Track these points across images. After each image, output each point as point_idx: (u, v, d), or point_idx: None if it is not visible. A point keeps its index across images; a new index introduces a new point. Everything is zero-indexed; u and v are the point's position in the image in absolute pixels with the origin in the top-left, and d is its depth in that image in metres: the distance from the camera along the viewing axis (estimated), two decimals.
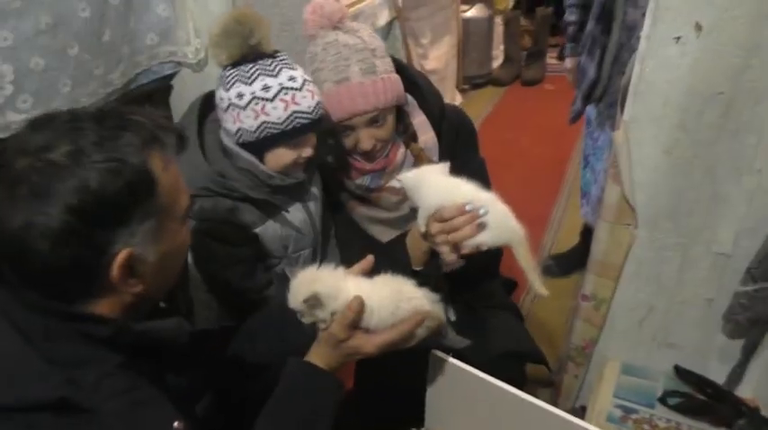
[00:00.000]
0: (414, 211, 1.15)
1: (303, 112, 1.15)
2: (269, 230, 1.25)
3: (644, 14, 1.17)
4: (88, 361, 0.71)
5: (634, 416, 1.37)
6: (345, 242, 1.41)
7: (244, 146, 1.18)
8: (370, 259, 1.01)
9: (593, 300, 1.49)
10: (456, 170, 1.13)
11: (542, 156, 3.54)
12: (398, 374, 1.15)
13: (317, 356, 0.93)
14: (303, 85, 1.16)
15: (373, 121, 1.24)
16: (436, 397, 1.15)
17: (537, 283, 1.07)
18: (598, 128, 2.13)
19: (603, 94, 1.96)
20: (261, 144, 1.17)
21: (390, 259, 1.14)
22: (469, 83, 4.57)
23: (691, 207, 1.26)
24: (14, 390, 0.67)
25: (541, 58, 4.68)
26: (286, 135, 1.16)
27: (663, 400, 1.38)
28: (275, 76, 1.14)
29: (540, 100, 4.40)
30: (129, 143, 0.73)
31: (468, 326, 1.33)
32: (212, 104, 1.23)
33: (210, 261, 1.23)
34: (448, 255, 1.07)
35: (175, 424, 0.73)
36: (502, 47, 4.73)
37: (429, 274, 1.18)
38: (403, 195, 1.25)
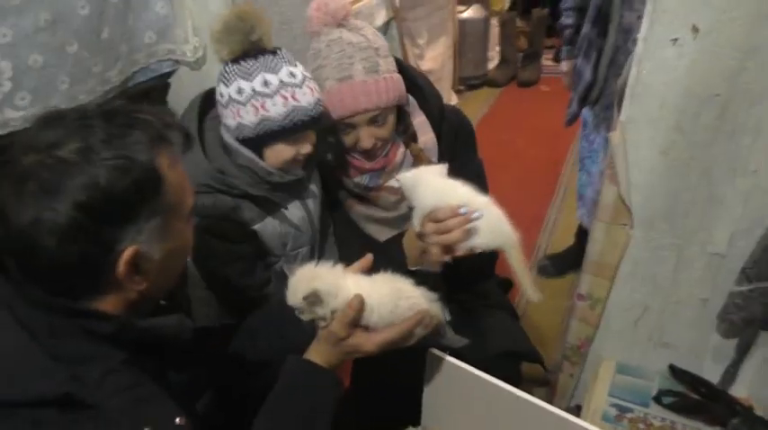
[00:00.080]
0: (411, 211, 1.15)
1: (303, 109, 1.15)
2: (268, 227, 1.26)
3: (640, 17, 1.18)
4: (92, 357, 0.72)
5: (629, 415, 1.38)
6: (344, 240, 1.42)
7: (243, 142, 1.19)
8: (369, 258, 1.02)
9: (588, 299, 1.49)
10: (455, 171, 1.13)
11: (538, 157, 3.55)
12: (396, 373, 1.15)
13: (317, 354, 0.94)
14: (303, 81, 1.16)
15: (374, 120, 1.25)
16: (433, 395, 1.15)
17: (529, 288, 1.08)
18: (594, 130, 2.14)
19: (599, 97, 1.97)
20: (260, 140, 1.18)
21: (387, 258, 1.15)
22: (465, 84, 4.58)
23: (686, 208, 1.27)
24: (20, 386, 0.67)
25: (537, 59, 4.70)
26: (285, 131, 1.16)
27: (658, 399, 1.39)
28: (275, 72, 1.14)
29: (536, 101, 4.41)
30: (138, 141, 0.74)
31: (465, 325, 1.34)
32: (212, 102, 1.23)
33: (210, 258, 1.23)
34: (437, 256, 1.08)
35: (177, 420, 0.73)
36: (498, 48, 4.74)
37: (425, 274, 1.19)
38: (401, 195, 1.25)
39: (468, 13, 4.37)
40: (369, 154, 1.29)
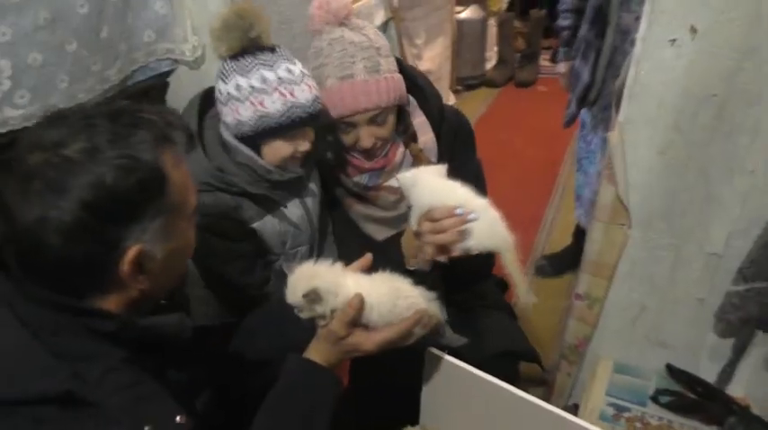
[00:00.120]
0: (410, 210, 1.16)
1: (300, 105, 1.15)
2: (267, 226, 1.26)
3: (637, 18, 1.18)
4: (93, 355, 0.72)
5: (626, 415, 1.39)
6: (342, 239, 1.42)
7: (242, 139, 1.19)
8: (368, 257, 1.02)
9: (586, 299, 1.50)
10: (453, 171, 1.14)
11: (535, 157, 3.56)
12: (394, 372, 1.15)
13: (317, 353, 0.94)
14: (301, 78, 1.16)
15: (374, 120, 1.25)
16: (431, 394, 1.16)
17: (523, 291, 1.08)
18: (591, 131, 2.14)
19: (598, 98, 1.98)
20: (258, 137, 1.18)
21: (385, 257, 1.15)
22: (463, 84, 4.59)
23: (684, 207, 1.28)
24: (21, 384, 0.67)
25: (534, 59, 4.71)
26: (283, 128, 1.17)
27: (655, 399, 1.40)
28: (273, 68, 1.15)
29: (534, 101, 4.42)
30: (143, 140, 0.74)
31: (462, 325, 1.34)
32: (212, 100, 1.23)
33: (209, 256, 1.23)
34: (432, 255, 1.08)
35: (178, 418, 0.74)
36: (495, 48, 4.75)
37: (423, 273, 1.19)
38: (400, 195, 1.26)
39: (466, 13, 4.38)
40: (368, 153, 1.30)
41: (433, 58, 3.83)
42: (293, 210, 1.29)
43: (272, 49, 1.17)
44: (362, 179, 1.34)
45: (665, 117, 1.20)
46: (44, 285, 0.72)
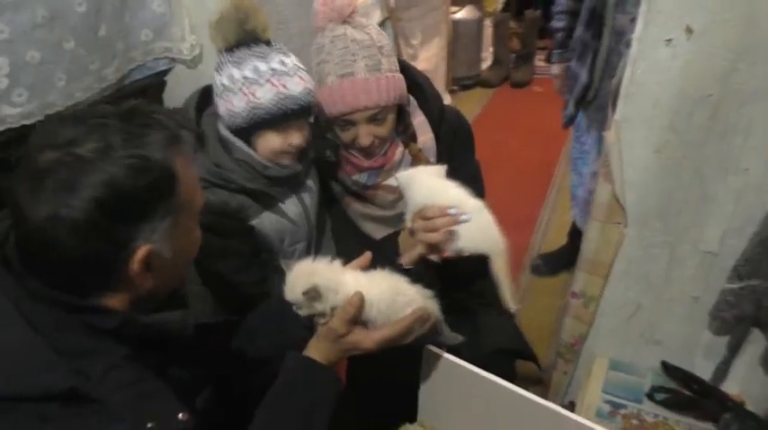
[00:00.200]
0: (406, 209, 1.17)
1: (292, 97, 1.16)
2: (265, 222, 1.26)
3: (632, 20, 1.20)
4: (95, 352, 0.72)
5: (622, 411, 1.40)
6: (340, 237, 1.42)
7: (236, 132, 1.19)
8: (368, 256, 1.03)
9: (582, 297, 1.51)
10: (452, 171, 1.15)
11: (530, 158, 3.57)
12: (392, 369, 1.15)
13: (316, 351, 0.94)
14: (295, 71, 1.17)
15: (374, 118, 1.25)
16: (430, 391, 1.16)
17: (507, 298, 1.09)
18: (585, 131, 2.15)
19: (595, 99, 1.99)
20: (251, 128, 1.18)
21: (382, 256, 1.15)
22: (458, 84, 4.60)
23: (679, 206, 1.29)
24: (25, 380, 0.67)
25: (530, 60, 4.72)
26: (275, 119, 1.17)
27: (650, 396, 1.41)
28: (267, 60, 1.16)
29: (529, 102, 4.44)
30: (155, 141, 0.74)
31: (460, 323, 1.35)
32: (210, 98, 1.24)
33: (205, 253, 1.23)
34: (423, 254, 1.09)
35: (180, 415, 0.74)
36: (491, 49, 4.76)
37: (420, 272, 1.19)
38: (398, 194, 1.26)
39: (462, 13, 4.39)
40: (367, 151, 1.30)
41: (429, 59, 3.84)
42: (291, 206, 1.30)
43: (268, 43, 1.18)
44: (361, 177, 1.34)
45: (660, 117, 1.21)
46: (51, 283, 0.72)
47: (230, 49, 1.17)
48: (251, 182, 1.21)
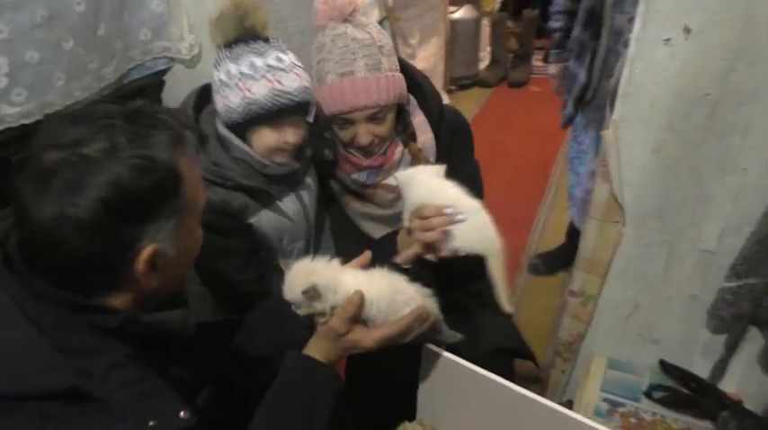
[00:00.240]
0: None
1: (288, 93, 1.16)
2: (263, 220, 1.26)
3: (630, 20, 1.20)
4: (98, 351, 0.72)
5: (621, 410, 1.40)
6: (339, 236, 1.42)
7: (232, 128, 1.20)
8: (367, 255, 1.03)
9: (580, 296, 1.51)
10: (452, 171, 1.15)
11: (528, 157, 3.57)
12: (391, 368, 1.16)
13: (316, 349, 0.94)
14: (291, 67, 1.18)
15: (373, 117, 1.26)
16: (428, 389, 1.16)
17: (503, 298, 1.09)
18: (583, 131, 2.16)
19: (593, 98, 1.99)
20: (247, 124, 1.19)
21: (381, 255, 1.16)
22: (456, 84, 4.60)
23: (677, 205, 1.29)
24: (27, 379, 0.68)
25: (527, 60, 4.73)
26: (270, 115, 1.17)
27: (648, 394, 1.41)
28: (263, 56, 1.16)
29: (526, 101, 4.44)
30: (160, 141, 0.75)
31: (458, 322, 1.35)
32: (208, 96, 1.24)
33: (207, 252, 1.23)
34: (419, 253, 1.10)
35: (182, 414, 0.74)
36: (489, 48, 4.77)
37: (418, 271, 1.19)
38: (397, 193, 1.26)
39: (460, 13, 4.39)
40: (366, 151, 1.30)
41: (427, 58, 3.84)
42: (289, 204, 1.30)
43: (266, 40, 1.19)
44: (360, 176, 1.34)
45: (658, 116, 1.21)
46: (55, 282, 0.72)
47: (229, 45, 1.18)
48: (248, 179, 1.21)
